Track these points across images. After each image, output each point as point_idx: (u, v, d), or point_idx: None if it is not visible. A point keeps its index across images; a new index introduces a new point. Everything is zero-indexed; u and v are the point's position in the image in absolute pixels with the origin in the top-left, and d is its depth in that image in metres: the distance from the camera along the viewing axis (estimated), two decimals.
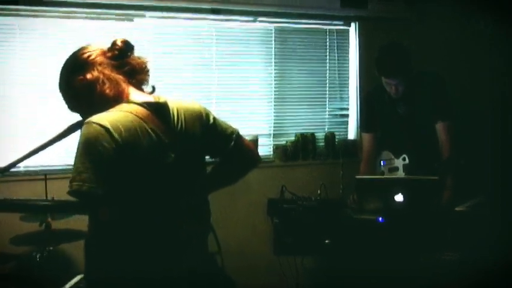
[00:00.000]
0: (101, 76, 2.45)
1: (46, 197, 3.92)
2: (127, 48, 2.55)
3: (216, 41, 5.23)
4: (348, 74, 5.81)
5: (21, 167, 4.45)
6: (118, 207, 2.30)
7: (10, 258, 3.98)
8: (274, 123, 5.53)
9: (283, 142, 5.53)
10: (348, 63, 5.80)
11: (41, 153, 2.76)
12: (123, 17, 4.95)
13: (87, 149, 2.25)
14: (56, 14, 4.76)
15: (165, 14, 5.08)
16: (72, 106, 2.57)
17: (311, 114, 5.74)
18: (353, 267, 4.07)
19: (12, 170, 3.67)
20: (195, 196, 2.58)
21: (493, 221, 3.92)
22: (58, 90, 2.58)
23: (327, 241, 4.03)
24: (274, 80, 5.53)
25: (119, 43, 2.54)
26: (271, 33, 5.51)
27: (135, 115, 2.37)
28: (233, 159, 2.79)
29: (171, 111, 2.53)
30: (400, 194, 3.97)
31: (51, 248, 3.81)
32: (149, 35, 5.06)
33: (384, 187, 4.14)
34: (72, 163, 2.26)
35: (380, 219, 3.98)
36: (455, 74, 5.33)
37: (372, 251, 3.97)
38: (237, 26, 5.41)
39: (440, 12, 5.75)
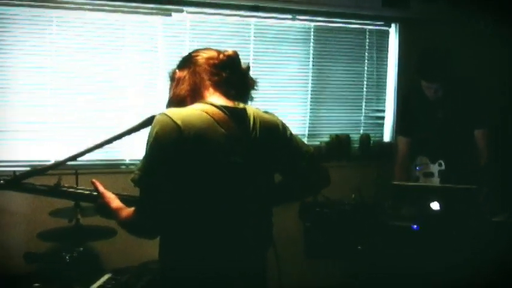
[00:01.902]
0: (188, 76, 2.51)
1: None
2: (229, 62, 2.53)
3: (254, 38, 5.18)
4: (386, 75, 5.73)
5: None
6: (173, 203, 2.30)
7: (38, 257, 3.95)
8: (309, 123, 5.47)
9: (318, 143, 5.46)
10: (387, 65, 5.72)
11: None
12: (162, 12, 4.90)
13: (154, 140, 2.29)
14: (91, 7, 4.73)
15: (203, 9, 5.03)
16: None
17: (347, 115, 5.69)
18: (384, 273, 4.01)
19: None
20: (260, 206, 2.55)
21: None
22: None
23: (359, 247, 3.98)
24: (311, 80, 5.46)
25: (222, 55, 2.53)
26: (310, 32, 5.45)
27: (210, 116, 2.37)
28: (305, 177, 2.73)
29: (247, 118, 2.50)
30: (436, 201, 3.90)
31: (81, 248, 3.76)
32: (186, 30, 5.00)
33: (420, 194, 4.07)
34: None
35: (415, 226, 3.91)
36: (493, 80, 5.25)
37: (405, 258, 3.91)
38: (276, 23, 5.35)
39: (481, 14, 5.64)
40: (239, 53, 2.56)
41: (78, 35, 4.70)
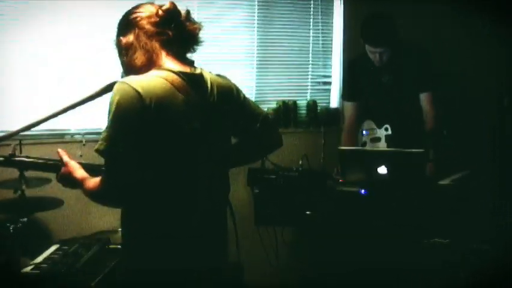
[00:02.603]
0: (135, 42, 2.47)
1: None
2: (169, 16, 2.49)
3: (197, 4, 5.10)
4: (332, 41, 5.70)
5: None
6: (139, 171, 2.31)
7: None
8: (256, 89, 5.42)
9: (265, 109, 5.41)
10: (332, 30, 5.69)
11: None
12: None
13: (116, 110, 2.27)
14: None
15: None
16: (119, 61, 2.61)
17: (293, 81, 5.63)
18: (333, 240, 4.04)
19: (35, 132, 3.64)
20: (218, 168, 2.59)
21: (479, 196, 3.90)
22: None
23: (308, 212, 3.99)
24: (257, 46, 5.41)
25: (160, 11, 2.49)
26: None
27: (170, 83, 2.38)
28: (258, 139, 2.80)
29: (205, 84, 2.51)
30: (383, 166, 3.92)
31: (25, 219, 3.71)
32: None
33: (367, 159, 4.09)
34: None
35: (363, 191, 3.94)
36: (441, 45, 5.28)
37: (353, 223, 3.94)
38: None
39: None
40: None
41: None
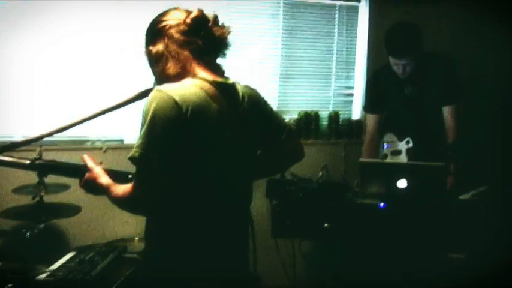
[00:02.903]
0: (166, 52, 2.47)
1: None
2: (198, 24, 2.49)
3: (223, 14, 5.07)
4: (356, 52, 5.67)
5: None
6: (172, 180, 2.31)
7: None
8: (278, 100, 5.41)
9: (287, 120, 5.40)
10: (356, 41, 5.66)
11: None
12: None
13: (152, 117, 2.26)
14: None
15: None
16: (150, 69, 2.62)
17: (316, 92, 5.60)
18: (350, 253, 4.01)
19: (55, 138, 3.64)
20: (246, 179, 2.63)
21: (498, 212, 3.86)
22: None
23: (326, 225, 3.96)
24: (281, 56, 5.39)
25: (189, 20, 2.49)
26: (280, 6, 5.36)
27: (205, 92, 2.38)
28: (283, 151, 2.82)
29: (236, 94, 2.54)
30: (404, 179, 3.88)
31: (42, 225, 3.72)
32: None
33: (388, 172, 4.05)
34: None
35: (381, 204, 3.90)
36: (467, 55, 5.23)
37: (372, 236, 3.90)
38: None
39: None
40: None
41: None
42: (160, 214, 2.41)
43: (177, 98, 2.27)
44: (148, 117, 2.26)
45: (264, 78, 5.35)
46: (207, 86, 2.40)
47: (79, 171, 2.65)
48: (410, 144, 4.59)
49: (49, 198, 3.91)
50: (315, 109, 5.51)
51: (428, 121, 4.63)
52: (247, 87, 2.64)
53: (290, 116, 5.41)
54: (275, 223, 4.10)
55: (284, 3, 5.37)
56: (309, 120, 5.43)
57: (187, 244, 2.41)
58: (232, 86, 2.53)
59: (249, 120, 2.55)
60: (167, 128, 2.25)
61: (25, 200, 3.91)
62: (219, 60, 2.59)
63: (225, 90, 2.46)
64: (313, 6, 5.50)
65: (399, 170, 4.02)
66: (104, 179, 2.55)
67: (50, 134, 2.80)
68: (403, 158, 4.60)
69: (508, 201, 3.96)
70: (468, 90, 4.62)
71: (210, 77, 2.46)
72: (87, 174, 2.60)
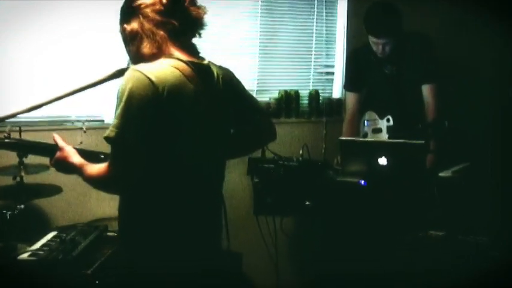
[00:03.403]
0: (141, 31, 2.45)
1: None
2: (174, 4, 2.46)
3: None
4: (336, 31, 5.66)
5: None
6: (147, 159, 2.31)
7: None
8: (258, 79, 5.39)
9: (267, 99, 5.40)
10: (336, 20, 5.65)
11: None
12: None
13: (128, 97, 2.25)
14: None
15: None
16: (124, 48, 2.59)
17: (296, 71, 5.60)
18: (332, 230, 4.03)
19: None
20: (220, 158, 2.67)
21: (478, 189, 3.89)
22: None
23: (307, 203, 3.98)
24: (260, 35, 5.37)
25: (164, 0, 2.45)
26: None
27: (181, 72, 2.37)
28: (256, 130, 2.86)
29: (212, 74, 2.54)
30: (384, 157, 3.90)
31: (22, 206, 3.70)
32: None
33: (368, 150, 4.07)
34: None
35: (362, 182, 3.92)
36: (445, 38, 5.25)
37: (353, 214, 3.93)
38: None
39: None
40: None
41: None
42: (135, 192, 2.41)
43: (153, 78, 2.26)
44: (124, 97, 2.25)
45: (243, 57, 5.32)
46: (183, 66, 2.39)
47: (50, 150, 2.66)
48: (391, 122, 4.62)
49: (30, 179, 3.89)
50: (295, 88, 5.50)
51: (408, 99, 4.65)
52: (221, 67, 2.65)
53: (270, 95, 5.40)
54: (256, 201, 4.13)
55: None
56: (289, 99, 5.42)
57: (162, 222, 2.42)
58: (207, 67, 2.53)
59: (224, 100, 2.57)
60: (143, 107, 2.25)
61: (5, 180, 3.90)
62: (198, 41, 2.59)
63: (200, 70, 2.46)
64: None
65: (379, 148, 4.05)
66: (76, 158, 2.57)
67: (24, 112, 2.79)
68: (383, 136, 4.63)
69: (489, 177, 4.00)
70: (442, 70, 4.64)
71: (186, 57, 2.45)
72: (58, 153, 2.62)
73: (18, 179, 3.79)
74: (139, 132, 2.25)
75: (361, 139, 4.63)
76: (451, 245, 3.61)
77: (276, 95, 5.42)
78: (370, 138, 4.70)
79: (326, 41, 5.63)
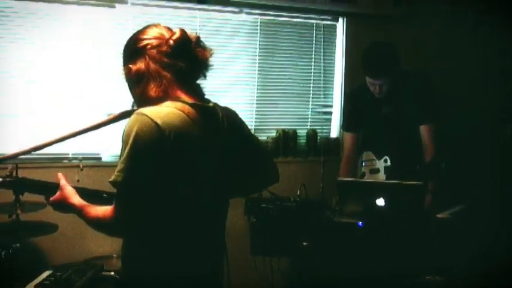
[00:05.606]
0: (147, 73, 2.40)
1: None
2: (181, 46, 2.42)
3: (199, 31, 5.09)
4: (334, 70, 5.70)
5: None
6: (153, 204, 2.28)
7: None
8: (255, 117, 5.41)
9: (264, 138, 5.41)
10: (334, 60, 5.69)
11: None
12: (104, 3, 4.78)
13: (134, 141, 2.22)
14: None
15: (148, 1, 4.93)
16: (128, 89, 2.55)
17: (294, 110, 5.63)
18: (329, 271, 4.00)
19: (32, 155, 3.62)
20: (224, 200, 2.63)
21: (477, 230, 3.87)
22: None
23: (304, 243, 3.96)
24: (258, 74, 5.40)
25: (171, 41, 2.42)
26: (257, 25, 5.39)
27: (187, 115, 2.34)
28: (260, 173, 2.82)
29: (217, 117, 2.51)
30: (382, 198, 3.88)
31: (17, 244, 3.68)
32: (130, 23, 4.85)
33: (366, 190, 4.06)
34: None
35: (360, 223, 3.90)
36: (442, 73, 5.28)
37: (350, 255, 3.90)
38: (222, 16, 5.26)
39: (428, 10, 5.68)
40: None
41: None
42: (138, 236, 2.39)
43: (159, 122, 2.23)
44: (130, 141, 2.22)
45: (241, 96, 5.36)
46: (189, 109, 2.36)
47: (50, 189, 2.63)
48: (388, 163, 4.61)
49: (25, 217, 3.87)
50: (293, 127, 5.52)
51: (406, 140, 4.64)
52: (227, 109, 2.62)
53: (268, 134, 5.41)
54: (254, 241, 4.10)
55: (261, 21, 5.39)
56: (287, 138, 5.44)
57: (165, 264, 2.39)
58: (213, 109, 2.50)
59: (229, 142, 2.54)
60: (149, 152, 2.22)
61: (1, 218, 3.88)
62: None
63: (205, 113, 2.43)
64: (290, 25, 5.53)
65: (377, 189, 4.03)
66: (76, 199, 2.54)
67: (26, 152, 2.78)
68: (381, 176, 4.61)
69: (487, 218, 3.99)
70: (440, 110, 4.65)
71: (191, 99, 2.42)
72: (58, 193, 2.59)
73: (14, 216, 3.76)
74: (146, 176, 2.23)
75: (358, 180, 4.61)
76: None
77: (273, 134, 5.44)
78: (367, 178, 4.69)
79: (324, 80, 5.66)
